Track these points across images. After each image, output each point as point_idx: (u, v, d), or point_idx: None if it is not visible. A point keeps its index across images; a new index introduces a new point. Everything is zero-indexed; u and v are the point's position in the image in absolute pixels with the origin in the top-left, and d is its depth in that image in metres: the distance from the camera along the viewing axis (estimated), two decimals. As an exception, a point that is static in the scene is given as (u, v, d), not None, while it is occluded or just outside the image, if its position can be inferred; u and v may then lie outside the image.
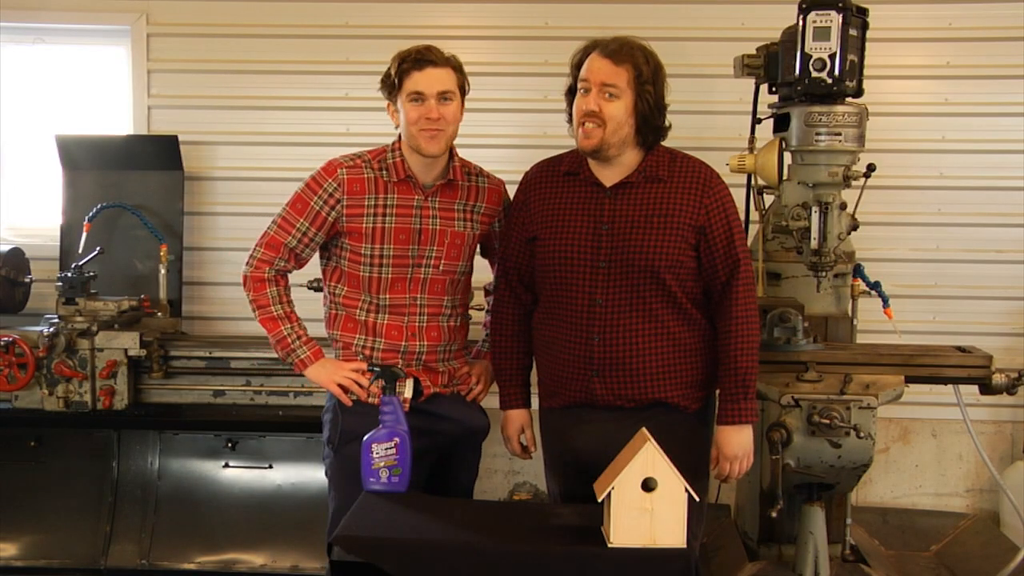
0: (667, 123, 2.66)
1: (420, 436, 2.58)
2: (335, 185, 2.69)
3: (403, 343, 2.75)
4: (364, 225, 2.70)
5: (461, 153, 4.49)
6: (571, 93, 2.69)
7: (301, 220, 2.72)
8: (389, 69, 2.69)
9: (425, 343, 2.77)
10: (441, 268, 2.77)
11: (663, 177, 2.63)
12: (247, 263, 2.78)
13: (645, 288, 2.61)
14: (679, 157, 2.68)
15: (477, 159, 4.30)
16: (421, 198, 2.74)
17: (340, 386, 2.73)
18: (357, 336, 2.77)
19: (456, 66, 2.70)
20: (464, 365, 2.89)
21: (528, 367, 2.86)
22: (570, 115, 2.69)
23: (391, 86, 2.68)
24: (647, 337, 2.63)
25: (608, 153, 2.61)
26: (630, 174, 2.64)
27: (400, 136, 2.76)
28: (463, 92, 2.74)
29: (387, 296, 2.74)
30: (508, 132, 4.31)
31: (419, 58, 2.64)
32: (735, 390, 2.63)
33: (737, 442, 2.65)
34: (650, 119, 2.61)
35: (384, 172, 2.72)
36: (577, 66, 2.66)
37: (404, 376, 2.66)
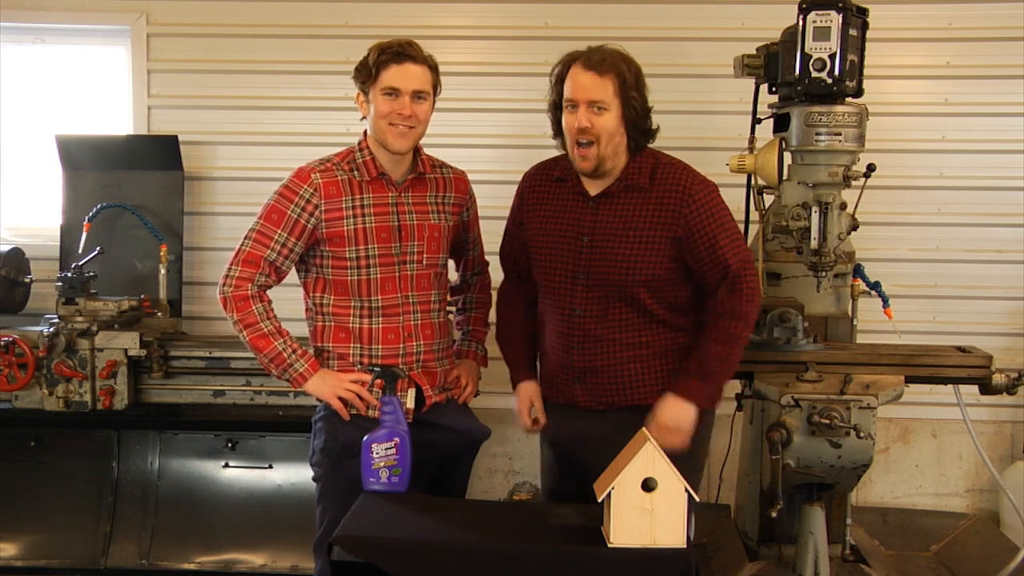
0: (655, 125, 2.67)
1: (421, 448, 2.54)
2: (311, 191, 2.64)
3: (400, 345, 2.72)
4: (345, 228, 2.65)
5: (461, 153, 4.49)
6: (555, 108, 2.68)
7: (279, 231, 2.64)
8: (366, 58, 2.66)
9: (422, 342, 2.76)
10: (425, 263, 2.75)
11: (643, 186, 2.64)
12: (224, 284, 2.66)
13: (621, 300, 2.64)
14: (663, 163, 2.66)
15: (476, 159, 4.33)
16: (395, 194, 2.72)
17: (341, 399, 2.67)
18: (352, 346, 2.70)
19: (433, 65, 2.70)
20: (452, 367, 2.88)
21: (534, 346, 2.88)
22: (556, 130, 2.70)
23: (367, 75, 2.65)
24: (624, 347, 2.66)
25: (605, 168, 2.63)
26: (611, 184, 2.65)
27: (365, 133, 2.74)
28: (436, 92, 2.73)
29: (379, 298, 2.69)
30: (507, 132, 4.31)
31: (400, 51, 2.63)
32: (692, 368, 2.63)
33: (672, 415, 2.61)
34: (638, 124, 2.62)
35: (355, 172, 2.70)
36: (559, 81, 2.65)
37: (405, 376, 2.65)
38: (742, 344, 2.67)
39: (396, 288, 2.71)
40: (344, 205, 2.66)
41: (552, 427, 2.81)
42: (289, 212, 2.64)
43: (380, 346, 2.70)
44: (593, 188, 2.68)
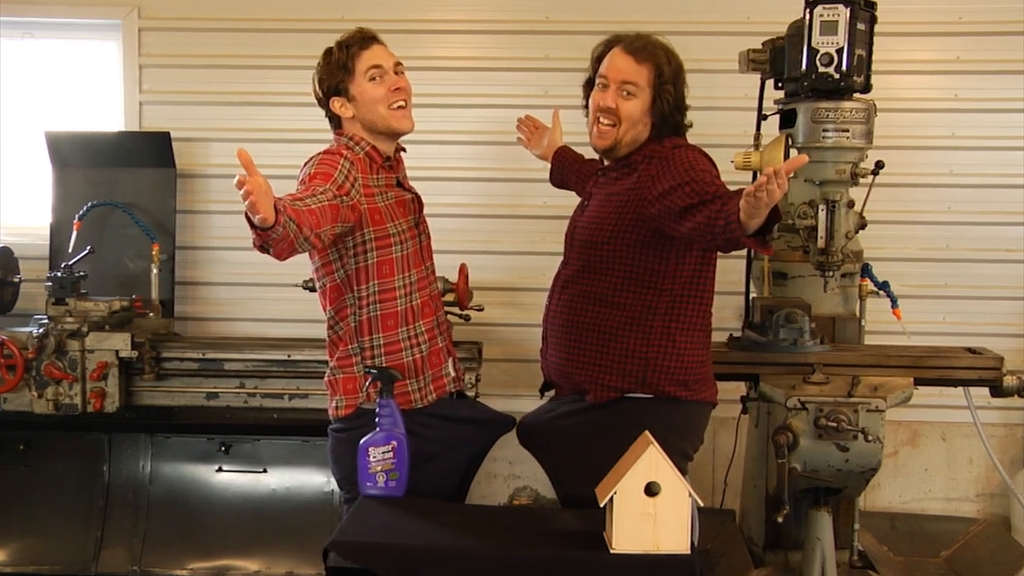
0: (688, 121, 2.75)
1: (462, 446, 2.71)
2: (349, 163, 2.62)
3: (434, 316, 2.77)
4: (379, 204, 2.66)
5: (461, 150, 4.50)
6: (589, 85, 2.78)
7: (335, 175, 2.55)
8: (332, 58, 2.67)
9: (443, 309, 2.87)
10: (427, 232, 2.83)
11: (635, 163, 2.70)
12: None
13: (588, 268, 2.72)
14: (667, 148, 2.68)
15: (477, 156, 4.34)
16: (394, 175, 2.77)
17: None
18: (400, 330, 2.68)
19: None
20: None
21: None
22: (587, 107, 2.79)
23: (342, 71, 2.65)
24: (578, 314, 2.72)
25: (619, 152, 2.73)
26: (611, 162, 2.77)
27: (341, 134, 2.73)
28: None
29: (414, 271, 2.72)
30: (508, 128, 4.31)
31: (362, 37, 2.68)
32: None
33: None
34: (668, 118, 2.70)
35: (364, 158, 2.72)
36: (598, 59, 2.75)
37: (402, 378, 2.65)
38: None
39: (420, 260, 2.76)
40: (370, 182, 2.67)
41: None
42: (336, 175, 2.56)
43: (421, 322, 2.72)
44: (606, 163, 2.85)
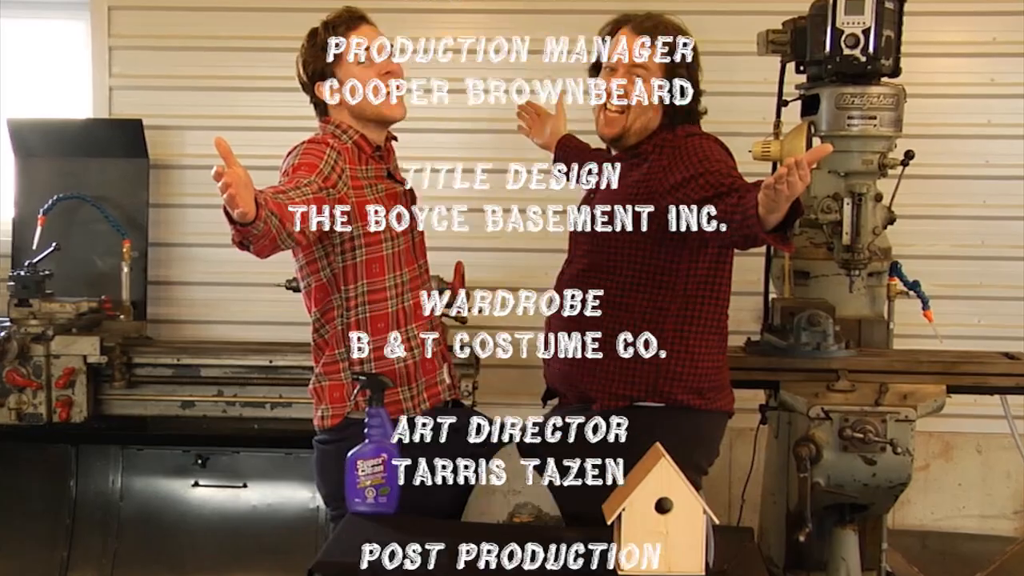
0: (702, 108, 2.75)
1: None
2: (337, 152, 2.61)
3: (428, 320, 2.76)
4: (367, 196, 2.65)
5: (457, 139, 4.48)
6: (596, 69, 2.78)
7: (320, 166, 2.54)
8: (318, 39, 2.66)
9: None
10: (421, 226, 2.82)
11: (645, 153, 2.70)
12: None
13: (595, 266, 2.71)
14: (680, 137, 2.68)
15: (475, 146, 4.33)
16: (384, 165, 2.76)
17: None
18: (390, 333, 2.68)
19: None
20: None
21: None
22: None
23: (328, 54, 2.65)
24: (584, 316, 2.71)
25: (627, 141, 2.72)
26: (619, 152, 2.76)
27: (328, 121, 2.73)
28: None
29: (406, 270, 2.72)
30: (508, 116, 4.31)
31: (349, 16, 2.67)
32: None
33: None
34: (681, 104, 2.68)
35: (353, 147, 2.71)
36: (604, 40, 2.74)
37: (393, 386, 2.65)
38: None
39: (413, 258, 2.76)
40: (359, 174, 2.66)
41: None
42: (321, 165, 2.55)
43: (414, 325, 2.72)
44: (613, 152, 2.83)
